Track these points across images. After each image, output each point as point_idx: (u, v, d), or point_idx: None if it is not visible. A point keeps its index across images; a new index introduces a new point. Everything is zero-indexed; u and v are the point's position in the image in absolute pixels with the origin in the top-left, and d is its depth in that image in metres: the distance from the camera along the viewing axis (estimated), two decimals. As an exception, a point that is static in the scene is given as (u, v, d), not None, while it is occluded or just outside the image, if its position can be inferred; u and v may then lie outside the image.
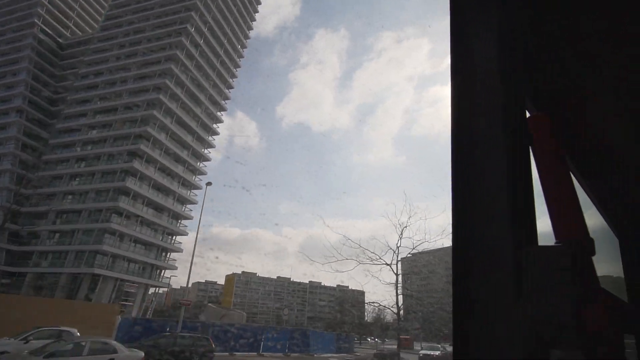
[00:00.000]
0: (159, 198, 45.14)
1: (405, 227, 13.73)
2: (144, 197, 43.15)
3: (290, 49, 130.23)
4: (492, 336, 0.44)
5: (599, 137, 1.13)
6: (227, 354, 19.31)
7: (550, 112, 0.89)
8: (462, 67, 0.61)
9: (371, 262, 13.58)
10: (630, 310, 0.78)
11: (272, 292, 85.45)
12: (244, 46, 62.32)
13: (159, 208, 46.02)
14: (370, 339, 53.51)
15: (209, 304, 38.04)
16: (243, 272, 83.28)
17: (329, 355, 25.98)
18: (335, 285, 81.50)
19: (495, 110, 0.55)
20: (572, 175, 1.12)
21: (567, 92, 0.97)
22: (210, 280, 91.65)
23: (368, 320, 57.92)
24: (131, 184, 41.04)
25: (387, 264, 13.05)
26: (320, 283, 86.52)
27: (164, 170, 46.00)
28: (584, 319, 0.38)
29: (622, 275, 1.39)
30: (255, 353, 21.21)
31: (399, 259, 13.38)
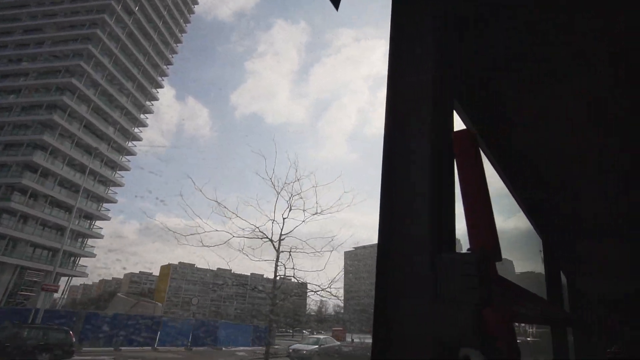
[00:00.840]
0: (75, 177, 42.52)
1: (297, 196, 13.16)
2: (56, 174, 40.41)
3: (248, 37, 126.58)
4: (408, 336, 0.49)
5: (525, 155, 1.31)
6: (111, 348, 18.44)
7: (482, 130, 1.03)
8: (397, 77, 0.66)
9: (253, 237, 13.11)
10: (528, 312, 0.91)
11: (210, 284, 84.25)
12: (187, 21, 59.67)
13: (75, 188, 43.43)
14: (307, 331, 54.43)
15: (119, 294, 36.61)
16: (180, 262, 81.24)
17: (240, 348, 25.66)
18: (278, 277, 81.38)
19: (425, 122, 0.59)
20: (504, 183, 1.30)
21: (498, 115, 1.09)
22: (145, 271, 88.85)
23: (310, 313, 58.68)
24: (40, 158, 38.24)
25: (269, 239, 12.76)
26: (262, 275, 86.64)
27: (82, 145, 43.24)
28: (484, 322, 0.42)
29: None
30: (150, 347, 20.47)
31: (281, 237, 12.96)
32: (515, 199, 1.59)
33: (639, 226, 1.89)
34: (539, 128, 1.22)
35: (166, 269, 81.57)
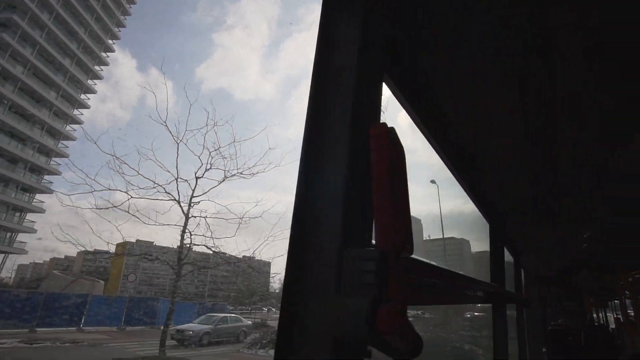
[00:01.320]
0: (10, 145, 38.44)
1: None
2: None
3: (216, 7, 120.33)
4: (311, 333, 0.48)
5: (468, 144, 1.37)
6: (26, 330, 16.75)
7: (422, 115, 1.05)
8: (322, 66, 0.64)
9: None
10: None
11: (170, 262, 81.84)
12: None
13: (13, 159, 39.39)
14: (267, 308, 54.37)
15: (54, 271, 34.36)
16: (137, 240, 78.00)
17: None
18: (242, 256, 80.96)
19: (347, 106, 0.58)
20: (452, 175, 1.45)
21: (436, 102, 1.12)
22: (100, 249, 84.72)
23: (273, 292, 58.88)
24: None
25: (175, 200, 11.10)
26: (225, 254, 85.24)
27: (17, 111, 39.01)
28: (377, 319, 0.40)
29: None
30: (75, 328, 18.80)
31: (193, 199, 11.42)
32: (460, 183, 1.53)
33: (571, 212, 1.97)
34: (475, 121, 1.25)
35: (122, 246, 78.07)
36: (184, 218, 10.82)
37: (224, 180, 11.37)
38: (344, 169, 0.54)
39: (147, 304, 24.42)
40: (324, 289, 0.51)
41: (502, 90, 1.09)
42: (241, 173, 11.67)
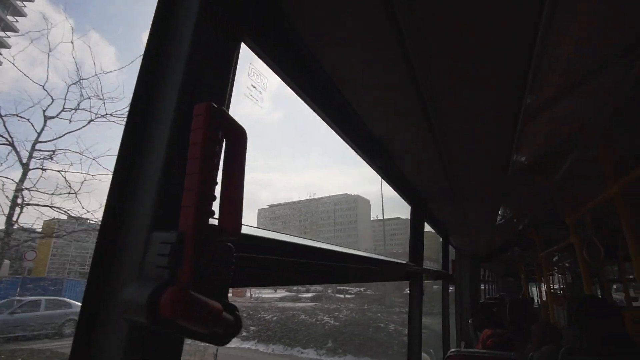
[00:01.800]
0: None
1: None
2: None
3: None
4: (110, 320, 0.47)
5: (374, 128, 1.30)
6: None
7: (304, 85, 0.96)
8: (157, 33, 0.58)
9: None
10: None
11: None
12: None
13: None
14: None
15: None
16: (69, 216, 71.98)
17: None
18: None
19: (172, 92, 0.55)
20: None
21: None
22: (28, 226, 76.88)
23: None
24: None
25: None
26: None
27: None
28: (161, 304, 0.39)
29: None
30: None
31: None
32: (372, 167, 1.47)
33: (485, 192, 1.99)
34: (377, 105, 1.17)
35: (49, 225, 71.53)
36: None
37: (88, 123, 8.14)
38: (164, 149, 0.52)
39: (47, 285, 21.67)
40: (128, 275, 0.50)
41: (393, 68, 1.00)
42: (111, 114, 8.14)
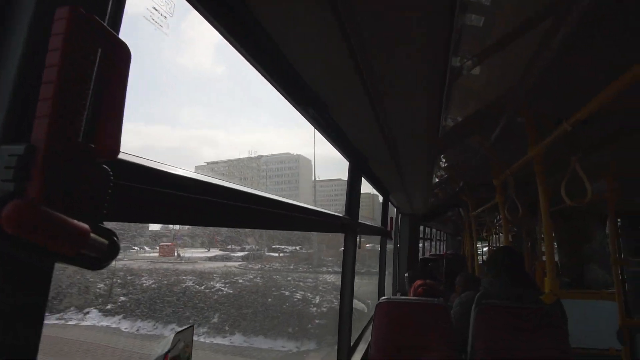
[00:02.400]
0: None
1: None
2: None
3: None
4: None
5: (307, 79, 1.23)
6: None
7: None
8: None
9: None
10: None
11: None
12: None
13: None
14: (139, 247, 52.42)
15: None
16: None
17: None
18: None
19: None
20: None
21: None
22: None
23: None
24: None
25: None
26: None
27: None
28: (1, 215, 0.36)
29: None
30: None
31: None
32: (309, 121, 1.43)
33: (416, 151, 1.99)
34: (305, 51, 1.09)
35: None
36: None
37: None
38: (19, 56, 0.46)
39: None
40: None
41: (323, 22, 0.95)
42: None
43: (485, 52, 1.19)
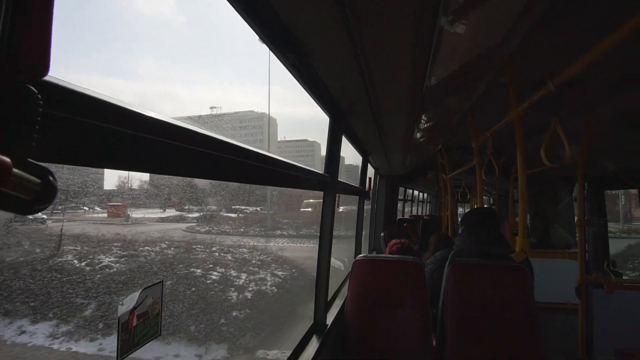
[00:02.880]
0: None
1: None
2: None
3: None
4: None
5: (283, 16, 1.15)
6: None
7: None
8: None
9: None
10: None
11: None
12: None
13: None
14: (87, 207, 49.47)
15: None
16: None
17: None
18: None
19: None
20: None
21: None
22: None
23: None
24: None
25: None
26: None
27: None
28: None
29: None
30: None
31: None
32: (291, 72, 1.34)
33: (398, 107, 1.93)
34: None
35: None
36: None
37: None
38: None
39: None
40: None
41: None
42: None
43: (474, 7, 1.12)
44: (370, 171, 4.79)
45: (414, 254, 2.68)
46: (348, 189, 2.82)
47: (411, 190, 10.28)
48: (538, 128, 2.26)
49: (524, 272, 1.97)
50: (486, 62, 1.63)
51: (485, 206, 3.26)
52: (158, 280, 0.71)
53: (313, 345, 1.73)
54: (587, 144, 2.48)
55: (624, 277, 3.37)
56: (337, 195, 2.50)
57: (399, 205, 8.32)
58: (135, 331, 0.65)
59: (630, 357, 2.12)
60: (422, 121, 2.42)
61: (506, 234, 3.47)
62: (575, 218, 2.87)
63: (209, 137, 0.75)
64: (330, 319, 2.06)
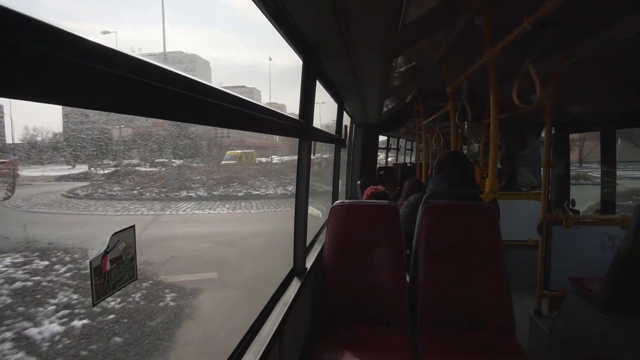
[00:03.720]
0: None
1: None
2: None
3: None
4: None
5: None
6: None
7: None
8: None
9: None
10: None
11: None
12: None
13: None
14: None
15: None
16: None
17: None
18: None
19: None
20: None
21: None
22: None
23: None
24: None
25: None
26: None
27: None
28: None
29: None
30: None
31: None
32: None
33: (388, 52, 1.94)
34: None
35: None
36: None
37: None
38: None
39: None
40: None
41: None
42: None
43: None
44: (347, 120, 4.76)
45: (390, 200, 2.76)
46: (324, 137, 2.80)
47: (397, 139, 10.31)
48: (512, 71, 2.27)
49: (492, 212, 2.08)
50: (462, 1, 1.58)
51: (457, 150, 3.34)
52: (129, 226, 0.69)
53: (293, 288, 1.80)
54: (557, 86, 2.52)
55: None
56: (314, 142, 2.47)
57: (384, 153, 8.42)
58: (110, 275, 0.64)
59: (581, 283, 2.35)
60: (398, 64, 2.37)
61: (477, 177, 3.63)
62: (542, 160, 3.00)
63: (171, 73, 0.64)
64: (309, 263, 2.13)
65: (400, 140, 10.87)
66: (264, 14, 1.27)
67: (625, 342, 1.86)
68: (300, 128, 1.87)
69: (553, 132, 4.66)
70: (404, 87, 3.57)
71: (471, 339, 1.83)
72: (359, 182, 5.32)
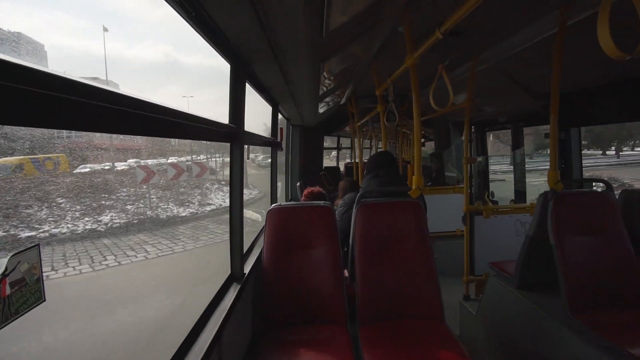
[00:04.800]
0: None
1: None
2: None
3: None
4: None
5: None
6: None
7: None
8: None
9: None
10: None
11: None
12: None
13: None
14: None
15: None
16: None
17: None
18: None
19: None
20: None
21: None
22: None
23: None
24: None
25: None
26: None
27: None
28: None
29: None
30: None
31: None
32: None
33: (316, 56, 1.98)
34: None
35: None
36: None
37: None
38: None
39: None
40: None
41: None
42: None
43: None
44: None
45: (329, 200, 2.83)
46: (258, 140, 2.79)
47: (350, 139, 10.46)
48: (431, 76, 2.46)
49: (419, 207, 2.24)
50: (384, 9, 1.68)
51: (384, 150, 3.53)
52: (33, 244, 0.64)
53: (230, 295, 1.77)
54: (472, 90, 2.79)
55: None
56: (247, 146, 2.45)
57: (336, 153, 8.51)
58: (11, 299, 0.59)
59: (499, 267, 2.62)
60: (330, 67, 2.44)
61: (408, 174, 3.87)
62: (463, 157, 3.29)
63: (100, 90, 0.65)
64: (247, 268, 2.11)
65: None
66: (187, 20, 1.24)
67: (535, 316, 2.12)
68: (231, 133, 1.85)
69: (473, 130, 5.13)
70: (338, 89, 3.68)
71: (404, 328, 1.95)
72: (298, 184, 5.36)
